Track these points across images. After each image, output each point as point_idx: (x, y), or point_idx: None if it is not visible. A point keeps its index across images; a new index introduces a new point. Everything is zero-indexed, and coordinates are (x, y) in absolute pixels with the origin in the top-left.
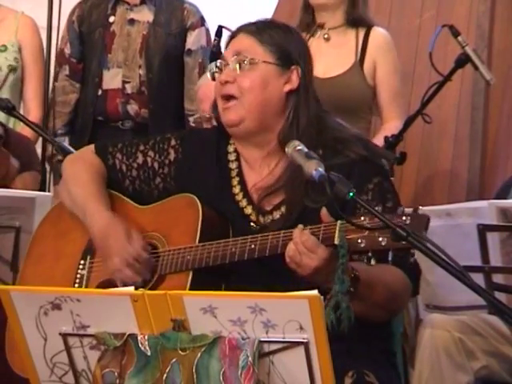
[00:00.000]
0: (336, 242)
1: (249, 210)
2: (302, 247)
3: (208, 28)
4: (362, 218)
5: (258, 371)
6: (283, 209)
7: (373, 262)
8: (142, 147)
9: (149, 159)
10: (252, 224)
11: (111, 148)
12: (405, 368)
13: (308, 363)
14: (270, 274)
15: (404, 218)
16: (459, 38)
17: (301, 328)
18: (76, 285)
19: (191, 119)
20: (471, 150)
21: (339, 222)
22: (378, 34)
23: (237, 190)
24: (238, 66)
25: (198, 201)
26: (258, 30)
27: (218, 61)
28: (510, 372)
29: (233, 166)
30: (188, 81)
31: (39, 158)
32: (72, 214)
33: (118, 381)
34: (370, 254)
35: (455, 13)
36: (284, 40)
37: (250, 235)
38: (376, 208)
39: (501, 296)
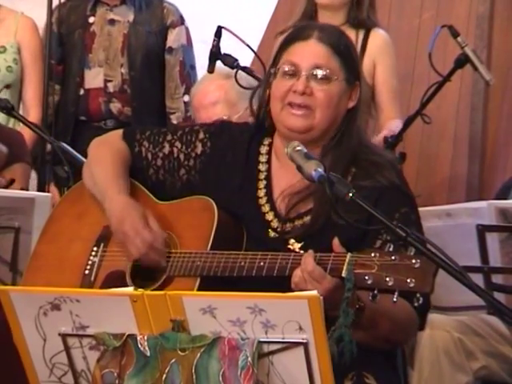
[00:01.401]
0: (343, 274)
1: (270, 217)
2: (308, 275)
3: (188, 27)
4: (373, 255)
5: (258, 371)
6: (306, 219)
7: (377, 299)
8: (169, 137)
9: (175, 150)
10: (270, 231)
11: (139, 135)
12: (404, 368)
13: (307, 364)
14: (280, 285)
15: (414, 260)
16: (458, 39)
17: (300, 328)
18: (86, 271)
19: (173, 117)
20: (470, 150)
21: (349, 254)
22: (378, 34)
23: (261, 193)
24: (315, 79)
25: (214, 205)
26: (333, 40)
27: (286, 66)
28: (509, 372)
29: (262, 168)
30: (169, 79)
31: (29, 151)
32: (92, 196)
33: (117, 381)
34: (375, 292)
35: (455, 13)
36: (354, 54)
37: (265, 243)
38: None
39: (500, 296)
